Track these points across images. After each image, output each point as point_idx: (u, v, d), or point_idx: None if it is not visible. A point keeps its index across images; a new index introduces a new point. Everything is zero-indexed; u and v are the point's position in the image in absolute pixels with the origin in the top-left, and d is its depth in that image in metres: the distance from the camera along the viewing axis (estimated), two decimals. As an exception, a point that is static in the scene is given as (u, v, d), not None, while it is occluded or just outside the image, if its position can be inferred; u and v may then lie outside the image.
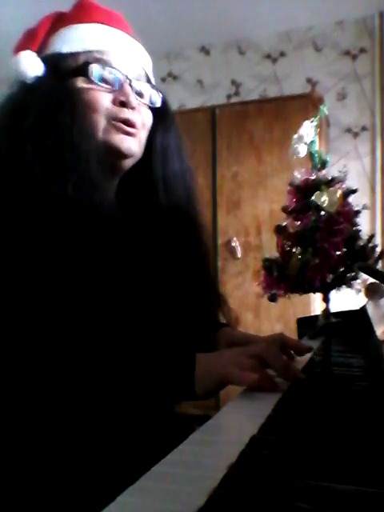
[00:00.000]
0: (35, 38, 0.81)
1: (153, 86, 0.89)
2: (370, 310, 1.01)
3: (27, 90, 0.77)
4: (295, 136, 1.26)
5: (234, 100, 3.32)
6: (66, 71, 0.79)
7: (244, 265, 2.80)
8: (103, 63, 0.81)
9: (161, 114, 0.89)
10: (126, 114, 0.81)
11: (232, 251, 2.83)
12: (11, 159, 0.70)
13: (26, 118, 0.72)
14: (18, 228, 0.67)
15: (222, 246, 2.85)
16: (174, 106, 3.40)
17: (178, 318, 0.82)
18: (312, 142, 1.26)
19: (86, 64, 0.80)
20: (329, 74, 3.13)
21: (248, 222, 2.81)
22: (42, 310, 0.66)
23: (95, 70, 0.80)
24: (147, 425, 0.76)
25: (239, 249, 2.82)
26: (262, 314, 2.74)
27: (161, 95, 0.90)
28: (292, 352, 0.79)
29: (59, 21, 0.84)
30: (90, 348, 0.68)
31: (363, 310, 1.09)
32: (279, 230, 1.22)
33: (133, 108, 0.82)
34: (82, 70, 0.79)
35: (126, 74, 0.83)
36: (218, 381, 0.67)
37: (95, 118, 0.79)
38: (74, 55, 0.80)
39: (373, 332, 0.82)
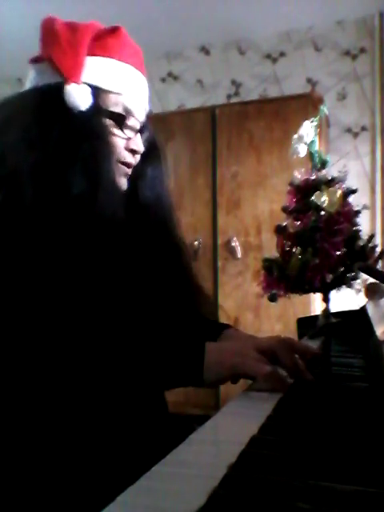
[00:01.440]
0: (79, 59, 0.82)
1: (146, 127, 0.94)
2: (370, 310, 1.01)
3: (75, 118, 0.81)
4: (295, 136, 1.26)
5: (233, 100, 3.32)
6: (102, 109, 0.85)
7: (244, 265, 2.80)
8: (129, 114, 0.88)
9: (150, 149, 0.95)
10: (131, 159, 0.89)
11: (232, 251, 2.83)
12: (55, 178, 0.76)
13: (73, 143, 0.78)
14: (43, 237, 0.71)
15: (222, 246, 2.85)
16: (174, 106, 3.39)
17: (176, 319, 0.85)
18: (312, 141, 1.26)
19: (123, 116, 0.87)
20: (329, 74, 3.13)
21: (248, 222, 2.81)
22: (46, 307, 0.68)
23: (127, 122, 0.87)
24: (147, 425, 0.76)
25: (239, 249, 2.82)
26: (262, 314, 2.74)
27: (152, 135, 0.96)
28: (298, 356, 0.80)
29: (98, 41, 0.85)
30: (95, 341, 0.69)
31: (363, 309, 1.09)
32: (279, 230, 1.22)
33: (139, 154, 0.90)
34: (117, 120, 0.86)
35: (142, 122, 0.90)
36: (230, 370, 0.70)
37: (111, 160, 0.85)
38: (107, 93, 0.85)
39: (373, 332, 0.82)
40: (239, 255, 2.81)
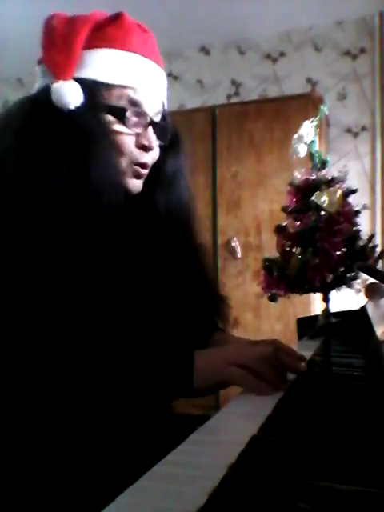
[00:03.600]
0: (70, 52, 0.76)
1: (166, 123, 0.88)
2: (370, 310, 1.01)
3: (64, 119, 0.75)
4: (295, 136, 1.26)
5: (233, 100, 3.32)
6: (100, 104, 0.78)
7: (244, 265, 2.80)
8: (135, 105, 0.81)
9: (170, 143, 0.89)
10: (144, 157, 0.82)
11: (232, 251, 2.83)
12: (42, 183, 0.71)
13: (60, 146, 0.72)
14: (40, 237, 0.69)
15: (222, 246, 2.85)
16: (174, 106, 3.38)
17: (175, 319, 0.83)
18: (312, 141, 1.26)
19: (123, 110, 0.80)
20: (329, 74, 3.13)
21: (248, 222, 2.81)
22: (41, 310, 0.67)
23: (130, 116, 0.80)
24: (147, 425, 0.76)
25: (239, 249, 2.82)
26: (262, 314, 2.74)
27: (173, 128, 0.90)
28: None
29: (100, 37, 0.80)
30: (90, 347, 0.68)
31: (363, 309, 1.09)
32: (279, 230, 1.22)
33: (151, 149, 0.83)
34: (118, 114, 0.79)
35: (152, 114, 0.83)
36: (218, 380, 0.68)
37: (120, 160, 0.80)
38: (109, 87, 0.79)
39: (373, 332, 0.82)
40: (239, 255, 2.81)
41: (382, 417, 0.51)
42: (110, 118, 0.79)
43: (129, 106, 0.80)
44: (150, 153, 0.83)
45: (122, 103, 0.80)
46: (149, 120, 0.82)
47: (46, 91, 0.76)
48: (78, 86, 0.75)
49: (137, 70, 0.81)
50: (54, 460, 0.70)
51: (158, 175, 0.88)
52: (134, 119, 0.81)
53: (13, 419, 0.70)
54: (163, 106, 0.88)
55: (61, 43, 0.76)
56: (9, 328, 0.67)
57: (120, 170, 0.80)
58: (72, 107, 0.75)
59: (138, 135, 0.81)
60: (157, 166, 0.87)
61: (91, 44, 0.78)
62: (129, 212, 0.80)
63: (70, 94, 0.74)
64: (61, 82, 0.75)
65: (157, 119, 0.85)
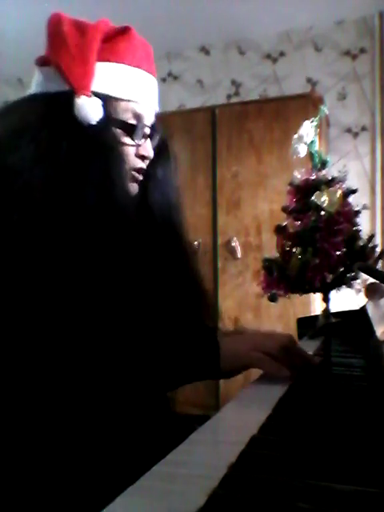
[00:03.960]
0: (88, 69, 0.79)
1: (155, 129, 0.92)
2: (370, 310, 1.01)
3: (85, 132, 0.78)
4: (295, 136, 1.26)
5: (233, 100, 3.32)
6: (112, 119, 0.83)
7: (244, 265, 2.80)
8: (138, 118, 0.86)
9: (159, 147, 0.93)
10: (142, 164, 0.88)
11: (232, 251, 2.83)
12: (69, 194, 0.74)
13: (83, 158, 0.76)
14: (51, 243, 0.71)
15: (222, 246, 2.85)
16: (173, 106, 3.39)
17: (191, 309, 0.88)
18: (312, 142, 1.26)
19: (134, 126, 0.85)
20: (329, 74, 3.13)
21: (248, 222, 2.81)
22: (57, 311, 0.68)
23: (138, 132, 0.86)
24: (147, 424, 0.76)
25: (239, 249, 2.82)
26: (262, 314, 2.74)
27: (160, 132, 0.94)
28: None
29: (108, 44, 0.83)
30: (101, 340, 0.70)
31: (363, 309, 1.09)
32: (279, 230, 1.22)
33: (149, 159, 0.88)
34: (128, 129, 0.85)
35: (150, 126, 0.88)
36: (243, 362, 0.76)
37: (123, 169, 0.84)
38: (117, 100, 0.84)
39: (373, 332, 0.82)
40: (239, 255, 2.81)
41: (382, 417, 0.51)
42: (119, 131, 0.84)
43: (134, 120, 0.86)
44: (146, 160, 0.89)
45: (128, 116, 0.85)
46: (148, 132, 0.88)
47: (64, 101, 0.78)
48: (99, 103, 0.79)
49: (141, 85, 0.86)
50: (55, 460, 0.70)
51: (148, 178, 0.92)
52: (138, 132, 0.86)
53: (13, 419, 0.70)
54: (155, 114, 0.92)
55: (77, 53, 0.79)
56: (16, 328, 0.67)
57: (125, 175, 0.84)
58: (93, 122, 0.78)
59: (138, 146, 0.87)
60: (148, 171, 0.91)
61: (102, 57, 0.82)
62: (135, 217, 0.84)
63: (94, 111, 0.78)
64: (83, 97, 0.78)
65: (154, 132, 0.91)
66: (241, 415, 0.58)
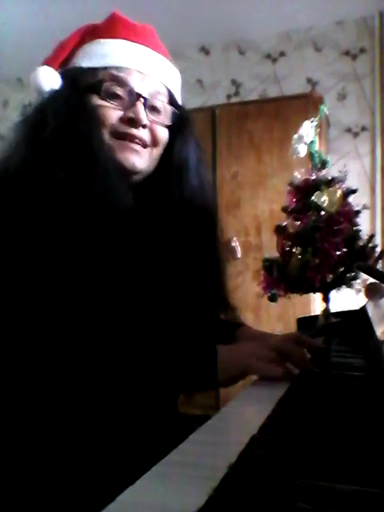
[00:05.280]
0: (62, 52, 0.84)
1: (171, 102, 0.89)
2: (370, 310, 1.01)
3: (45, 103, 0.80)
4: (295, 136, 1.26)
5: (233, 100, 3.32)
6: (83, 86, 0.82)
7: (244, 265, 2.80)
8: (118, 81, 0.82)
9: (179, 128, 0.90)
10: (131, 131, 0.82)
11: (232, 251, 2.82)
12: (33, 166, 0.73)
13: (44, 129, 0.75)
14: (39, 231, 0.69)
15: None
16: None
17: (194, 317, 0.85)
18: (312, 142, 1.26)
19: (100, 82, 0.82)
20: (329, 74, 3.13)
21: (248, 222, 2.81)
22: (56, 304, 0.68)
23: (107, 88, 0.82)
24: (148, 424, 0.76)
25: (239, 249, 2.82)
26: (262, 314, 2.74)
27: (177, 111, 0.90)
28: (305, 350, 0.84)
29: (89, 34, 0.86)
30: (108, 342, 0.70)
31: (363, 309, 1.09)
32: (279, 230, 1.22)
33: (143, 126, 0.83)
34: (96, 88, 0.82)
35: (141, 91, 0.83)
36: (241, 370, 0.73)
37: (102, 133, 0.80)
38: (92, 71, 0.82)
39: (373, 332, 0.82)
40: (239, 255, 2.81)
41: (382, 417, 0.51)
42: (91, 95, 0.82)
43: (109, 81, 0.82)
44: (143, 129, 0.83)
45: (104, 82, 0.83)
46: (135, 96, 0.83)
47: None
48: (50, 69, 0.81)
49: (121, 52, 0.84)
50: (55, 460, 0.70)
51: (170, 162, 0.88)
52: (114, 92, 0.82)
53: (14, 418, 0.70)
54: (169, 90, 0.89)
55: (56, 47, 0.84)
56: (17, 325, 0.67)
57: (103, 143, 0.80)
58: (48, 89, 0.80)
59: (125, 110, 0.82)
60: (167, 153, 0.88)
61: (81, 42, 0.85)
62: (140, 199, 0.81)
63: (43, 77, 0.80)
64: (39, 69, 0.81)
65: (155, 101, 0.86)
66: (241, 415, 0.58)
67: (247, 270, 2.78)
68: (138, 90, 0.83)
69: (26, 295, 0.68)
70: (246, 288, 2.77)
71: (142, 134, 0.83)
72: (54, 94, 0.80)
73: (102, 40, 0.85)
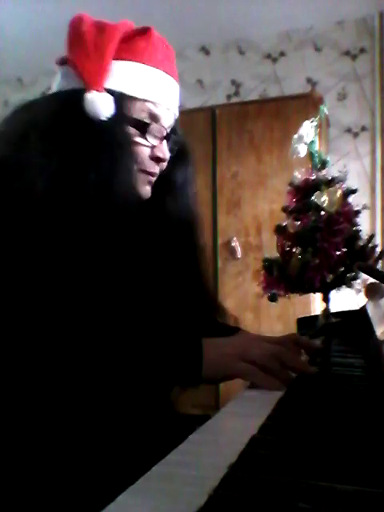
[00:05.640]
0: (103, 66, 0.79)
1: (177, 135, 0.92)
2: (370, 310, 1.01)
3: (94, 127, 0.78)
4: (295, 136, 1.26)
5: (234, 100, 3.32)
6: (126, 117, 0.82)
7: (244, 265, 2.80)
8: (155, 119, 0.85)
9: (179, 154, 0.93)
10: (155, 169, 0.86)
11: (232, 251, 2.83)
12: (71, 186, 0.74)
13: (89, 152, 0.76)
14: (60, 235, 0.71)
15: (222, 246, 2.85)
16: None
17: (180, 315, 0.85)
18: (312, 142, 1.26)
19: (147, 125, 0.84)
20: (329, 74, 3.13)
21: (248, 222, 2.81)
22: (47, 302, 0.68)
23: (152, 130, 0.84)
24: (147, 424, 0.76)
25: (239, 249, 2.82)
26: (262, 314, 2.74)
27: (182, 140, 0.93)
28: (302, 350, 0.83)
29: (126, 43, 0.82)
30: (94, 340, 0.69)
31: (363, 309, 1.09)
32: (279, 230, 1.22)
33: (164, 162, 0.87)
34: (142, 128, 0.84)
35: (168, 128, 0.87)
36: (228, 373, 0.70)
37: (134, 167, 0.83)
38: (132, 99, 0.83)
39: (373, 332, 0.82)
40: (239, 255, 2.81)
41: (382, 417, 0.51)
42: (132, 130, 0.83)
43: (149, 120, 0.84)
44: (161, 164, 0.87)
45: (143, 116, 0.84)
46: (165, 134, 0.86)
47: (75, 97, 0.78)
48: (111, 99, 0.78)
49: (159, 86, 0.85)
50: (55, 459, 0.70)
51: (168, 184, 0.91)
52: (153, 133, 0.85)
53: (12, 417, 0.70)
54: (175, 118, 0.91)
55: (93, 51, 0.78)
56: (13, 322, 0.67)
57: (135, 176, 0.83)
58: (103, 118, 0.78)
59: (153, 147, 0.85)
60: (166, 176, 0.91)
61: (119, 55, 0.81)
62: (141, 217, 0.82)
63: (104, 106, 0.78)
64: (94, 92, 0.77)
65: (172, 135, 0.90)
66: (241, 415, 0.58)
67: (247, 269, 2.78)
68: (165, 126, 0.86)
69: (22, 287, 0.68)
70: (246, 288, 2.77)
71: (160, 168, 0.88)
72: (104, 122, 0.78)
73: (142, 65, 0.83)
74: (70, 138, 0.76)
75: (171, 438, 0.56)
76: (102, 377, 0.68)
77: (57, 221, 0.71)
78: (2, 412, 0.70)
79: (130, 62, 0.82)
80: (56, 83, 0.85)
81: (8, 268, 0.69)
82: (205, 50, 3.42)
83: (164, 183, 0.90)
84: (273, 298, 1.22)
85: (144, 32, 0.84)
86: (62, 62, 0.84)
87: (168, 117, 0.87)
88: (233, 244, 2.82)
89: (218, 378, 0.71)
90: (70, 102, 0.78)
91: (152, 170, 0.86)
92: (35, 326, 0.67)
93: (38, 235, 0.70)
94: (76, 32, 0.80)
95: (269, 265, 1.21)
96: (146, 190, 0.87)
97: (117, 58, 0.80)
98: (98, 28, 0.80)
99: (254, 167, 2.81)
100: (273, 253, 1.23)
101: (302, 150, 1.25)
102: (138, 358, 0.70)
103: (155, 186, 0.89)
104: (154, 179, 0.87)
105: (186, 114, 3.40)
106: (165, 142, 0.86)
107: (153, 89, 0.84)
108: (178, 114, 0.92)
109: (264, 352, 0.70)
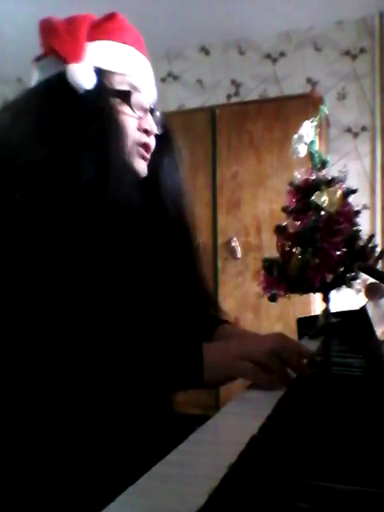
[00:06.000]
0: (79, 43, 0.82)
1: (157, 111, 0.93)
2: (370, 310, 1.01)
3: (79, 100, 0.79)
4: (295, 136, 1.26)
5: (233, 100, 3.32)
6: (108, 89, 0.83)
7: (244, 265, 2.80)
8: (136, 91, 0.86)
9: (163, 138, 0.94)
10: (146, 139, 0.87)
11: (232, 251, 2.83)
12: (67, 165, 0.74)
13: (79, 127, 0.76)
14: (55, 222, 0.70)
15: (222, 245, 2.85)
16: (173, 106, 3.38)
17: (177, 314, 0.84)
18: (312, 142, 1.26)
19: (128, 92, 0.85)
20: (329, 74, 3.13)
21: (248, 222, 2.81)
22: (48, 303, 0.68)
23: (135, 99, 0.86)
24: (147, 424, 0.76)
25: (239, 249, 2.82)
26: (262, 314, 2.74)
27: (165, 122, 0.95)
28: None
29: (96, 30, 0.85)
30: (95, 342, 0.69)
31: (363, 309, 1.09)
32: (279, 230, 1.22)
33: (152, 134, 0.88)
34: (125, 96, 0.85)
35: (150, 102, 0.89)
36: (229, 373, 0.70)
37: (125, 140, 0.84)
38: (111, 74, 0.84)
39: (373, 332, 0.82)
40: (239, 255, 2.81)
41: (382, 417, 0.51)
42: (117, 100, 0.84)
43: (131, 90, 0.86)
44: (151, 137, 0.88)
45: (124, 87, 0.85)
46: (148, 106, 0.88)
47: (60, 76, 0.79)
48: (91, 68, 0.80)
49: (133, 61, 0.88)
50: (55, 459, 0.70)
51: (155, 170, 0.92)
52: (137, 102, 0.86)
53: (13, 417, 0.70)
54: (154, 97, 0.93)
55: (65, 34, 0.81)
56: (12, 321, 0.67)
57: (125, 148, 0.83)
58: (87, 88, 0.79)
59: (140, 119, 0.87)
60: (153, 162, 0.91)
61: (92, 37, 0.84)
62: (141, 198, 0.82)
63: (86, 76, 0.79)
64: (75, 64, 0.79)
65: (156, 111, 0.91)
66: (241, 415, 0.58)
67: (247, 269, 2.78)
68: (149, 101, 0.89)
69: (23, 285, 0.68)
70: (246, 288, 2.77)
71: (151, 141, 0.88)
72: (88, 94, 0.79)
73: (114, 42, 0.86)
74: (59, 116, 0.77)
75: (171, 438, 0.56)
76: (103, 380, 0.68)
77: (54, 208, 0.71)
78: (3, 413, 0.70)
79: (103, 41, 0.85)
80: (34, 80, 0.86)
81: (6, 264, 0.69)
82: (205, 50, 3.42)
83: (154, 167, 0.91)
84: (273, 298, 1.22)
85: (111, 17, 0.88)
86: (38, 58, 0.86)
87: (148, 90, 0.89)
88: (233, 244, 2.82)
89: (219, 380, 0.70)
90: (56, 82, 0.80)
91: (144, 141, 0.87)
92: (35, 326, 0.67)
93: (35, 224, 0.70)
94: (47, 28, 0.83)
95: (269, 265, 1.21)
96: (142, 167, 0.88)
97: (90, 40, 0.83)
98: (67, 20, 0.84)
99: (253, 167, 2.81)
100: (273, 253, 1.23)
101: (302, 150, 1.25)
102: (139, 364, 0.69)
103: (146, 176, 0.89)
104: (147, 155, 0.88)
105: (185, 114, 3.41)
106: (150, 115, 0.88)
107: (128, 63, 0.86)
108: (156, 95, 0.93)
109: (264, 349, 0.70)
